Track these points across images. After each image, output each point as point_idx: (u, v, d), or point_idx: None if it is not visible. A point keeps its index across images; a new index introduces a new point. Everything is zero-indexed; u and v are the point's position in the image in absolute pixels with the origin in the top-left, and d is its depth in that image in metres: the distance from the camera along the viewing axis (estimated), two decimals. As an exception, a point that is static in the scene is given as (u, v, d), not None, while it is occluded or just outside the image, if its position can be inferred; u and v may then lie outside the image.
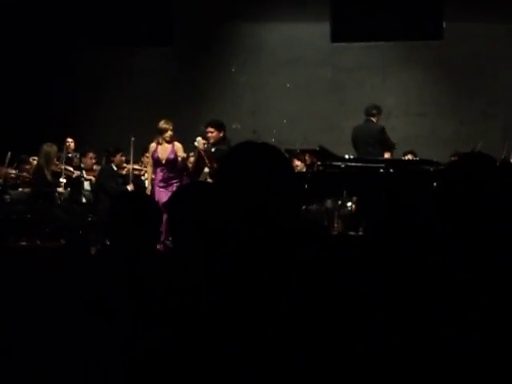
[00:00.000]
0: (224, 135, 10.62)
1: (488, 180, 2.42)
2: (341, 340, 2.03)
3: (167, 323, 2.03)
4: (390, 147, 12.04)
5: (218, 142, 10.51)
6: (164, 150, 10.91)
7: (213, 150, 10.52)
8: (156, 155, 10.94)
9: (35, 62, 15.68)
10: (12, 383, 3.03)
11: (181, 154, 10.98)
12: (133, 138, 11.99)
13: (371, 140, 11.71)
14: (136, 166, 12.53)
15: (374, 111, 12.08)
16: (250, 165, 2.10)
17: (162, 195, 10.55)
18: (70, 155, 13.17)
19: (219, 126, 10.65)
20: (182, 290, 2.04)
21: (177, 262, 2.19)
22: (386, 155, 11.94)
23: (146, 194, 9.69)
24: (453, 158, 12.59)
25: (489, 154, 2.68)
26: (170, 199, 3.18)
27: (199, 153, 10.68)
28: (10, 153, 12.34)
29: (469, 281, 2.23)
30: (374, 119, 12.02)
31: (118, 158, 12.38)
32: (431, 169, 10.02)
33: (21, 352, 3.10)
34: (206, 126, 10.73)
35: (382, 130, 11.88)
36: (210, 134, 10.58)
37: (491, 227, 2.35)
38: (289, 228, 2.13)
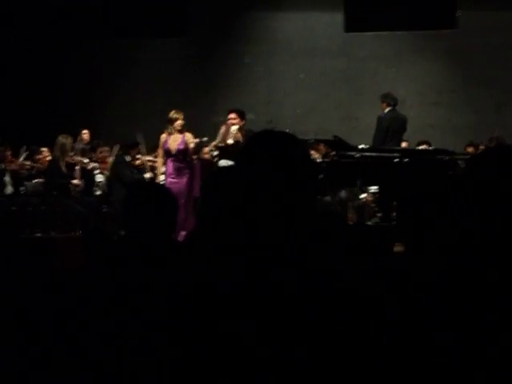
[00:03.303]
0: (244, 124, 10.70)
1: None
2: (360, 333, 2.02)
3: (186, 313, 2.02)
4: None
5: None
6: (174, 141, 10.80)
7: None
8: (166, 146, 10.82)
9: (49, 53, 15.70)
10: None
11: (192, 141, 10.90)
12: (146, 129, 11.99)
13: (403, 129, 11.76)
14: (149, 158, 12.47)
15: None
16: (269, 152, 2.09)
17: (174, 186, 10.50)
18: (84, 147, 13.21)
19: (242, 114, 10.72)
20: (201, 279, 2.04)
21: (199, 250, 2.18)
22: (404, 144, 12.02)
23: (161, 184, 9.67)
24: (468, 148, 12.57)
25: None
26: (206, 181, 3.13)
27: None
28: (25, 147, 12.34)
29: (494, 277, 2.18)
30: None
31: (135, 151, 12.32)
32: (446, 158, 9.98)
33: (27, 349, 3.10)
34: (229, 113, 10.71)
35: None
36: (232, 121, 10.62)
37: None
38: (306, 216, 2.12)
